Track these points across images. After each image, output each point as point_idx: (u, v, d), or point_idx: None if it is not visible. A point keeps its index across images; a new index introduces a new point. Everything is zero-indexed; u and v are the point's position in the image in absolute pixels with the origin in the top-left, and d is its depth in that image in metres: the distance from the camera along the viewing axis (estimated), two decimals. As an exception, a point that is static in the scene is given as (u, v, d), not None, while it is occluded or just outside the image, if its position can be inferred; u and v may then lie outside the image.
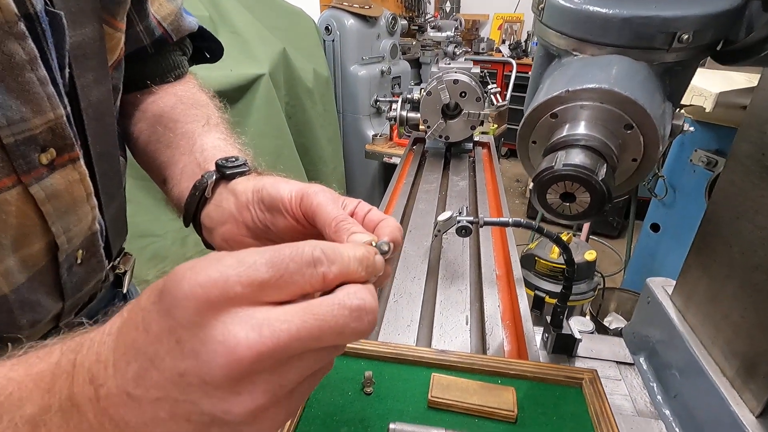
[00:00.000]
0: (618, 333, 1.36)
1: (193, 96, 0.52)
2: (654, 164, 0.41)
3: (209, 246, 0.41)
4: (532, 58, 4.13)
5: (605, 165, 0.37)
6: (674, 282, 0.79)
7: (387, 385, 0.47)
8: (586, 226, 2.06)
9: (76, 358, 0.21)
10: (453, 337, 0.57)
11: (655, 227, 1.77)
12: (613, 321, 1.78)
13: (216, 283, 0.20)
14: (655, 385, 0.75)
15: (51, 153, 0.32)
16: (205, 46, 0.59)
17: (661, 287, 0.81)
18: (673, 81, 0.45)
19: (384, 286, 0.66)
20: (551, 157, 0.39)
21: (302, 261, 0.21)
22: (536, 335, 0.67)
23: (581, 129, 0.41)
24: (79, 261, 0.38)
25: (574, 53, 0.46)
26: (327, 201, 0.31)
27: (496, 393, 0.45)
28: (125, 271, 0.50)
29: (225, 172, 0.38)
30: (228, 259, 0.20)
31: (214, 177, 0.39)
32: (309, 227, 0.32)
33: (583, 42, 0.45)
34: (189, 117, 0.48)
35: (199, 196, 0.39)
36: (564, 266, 1.51)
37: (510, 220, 0.69)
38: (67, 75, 0.34)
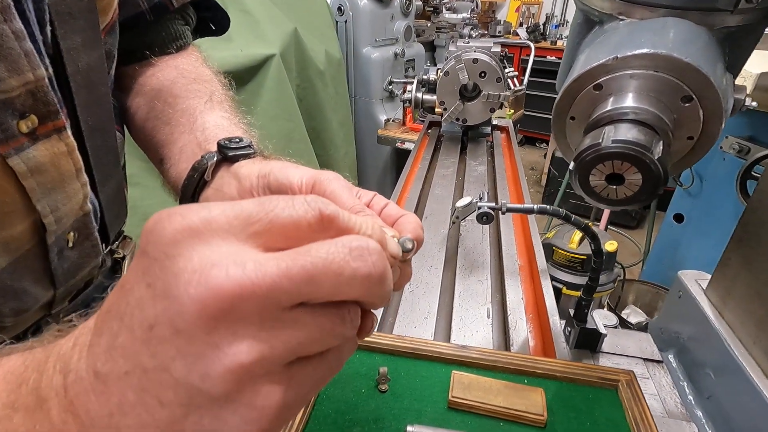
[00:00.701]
0: (642, 327, 1.30)
1: (195, 70, 0.48)
2: (713, 143, 0.36)
3: None
4: (551, 42, 4.00)
5: (661, 142, 0.32)
6: (709, 276, 0.74)
7: (403, 382, 0.44)
8: (605, 216, 1.99)
9: (53, 349, 0.18)
10: (473, 330, 0.53)
11: (678, 218, 1.69)
12: (631, 314, 1.73)
13: (198, 212, 0.17)
14: (685, 384, 0.71)
15: (32, 120, 0.29)
16: (209, 17, 0.55)
17: (695, 281, 0.76)
18: (733, 49, 0.40)
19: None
20: (597, 133, 0.34)
21: (294, 199, 0.18)
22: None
23: (629, 101, 0.36)
24: (70, 244, 0.35)
25: (620, 17, 0.41)
26: (341, 189, 0.27)
27: (523, 394, 0.41)
28: (124, 256, 0.46)
29: (227, 154, 0.35)
30: (212, 203, 0.18)
31: (215, 158, 0.35)
32: None
33: (631, 4, 0.40)
34: (190, 92, 0.44)
35: (198, 179, 0.36)
36: (583, 257, 1.44)
37: (535, 206, 0.64)
38: (49, 33, 0.30)
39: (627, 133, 0.33)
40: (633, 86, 0.36)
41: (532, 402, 0.40)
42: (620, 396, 0.42)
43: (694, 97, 0.34)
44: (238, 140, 0.36)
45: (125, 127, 0.48)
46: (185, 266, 0.15)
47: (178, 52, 0.50)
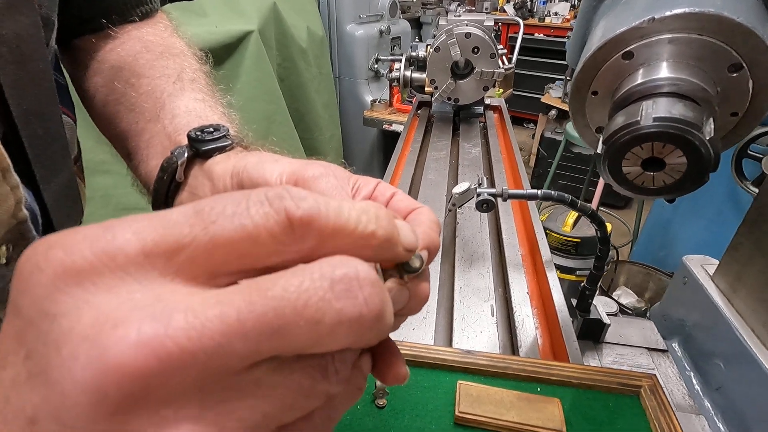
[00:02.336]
0: (641, 312, 1.28)
1: (163, 42, 0.41)
2: (760, 120, 0.31)
3: None
4: (539, 19, 3.91)
5: (711, 119, 0.27)
6: (716, 261, 0.71)
7: (403, 395, 0.39)
8: (596, 196, 1.96)
9: None
10: (477, 331, 0.49)
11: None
12: (622, 295, 1.72)
13: (94, 241, 0.11)
14: (692, 374, 0.68)
15: None
16: None
17: (701, 266, 0.72)
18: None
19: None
20: (632, 110, 0.29)
21: (250, 201, 0.13)
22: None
23: (667, 71, 0.30)
24: (3, 260, 0.28)
25: (649, -26, 0.35)
26: (330, 190, 0.22)
27: (539, 406, 0.37)
28: None
29: (199, 149, 0.29)
30: (128, 218, 0.12)
31: (186, 155, 0.29)
32: None
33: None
34: (156, 70, 0.37)
35: (169, 181, 0.30)
36: (577, 240, 1.41)
37: (539, 192, 0.59)
38: None
39: (671, 108, 0.27)
40: (670, 53, 0.31)
41: (548, 415, 0.36)
42: (643, 404, 0.38)
43: (744, 65, 0.29)
44: (212, 130, 0.29)
45: (87, 110, 0.41)
46: (70, 331, 0.10)
47: (142, 19, 0.42)
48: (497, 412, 0.36)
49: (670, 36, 0.30)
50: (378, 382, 0.38)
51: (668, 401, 0.37)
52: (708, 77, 0.30)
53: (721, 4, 0.29)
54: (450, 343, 0.48)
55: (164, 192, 0.30)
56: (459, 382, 0.39)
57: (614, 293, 1.73)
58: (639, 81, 0.31)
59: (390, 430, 0.36)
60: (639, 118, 0.28)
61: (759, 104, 0.31)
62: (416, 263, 0.17)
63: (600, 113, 0.36)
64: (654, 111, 0.28)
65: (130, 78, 0.37)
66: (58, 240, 0.11)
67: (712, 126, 0.27)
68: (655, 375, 0.40)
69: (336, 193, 0.22)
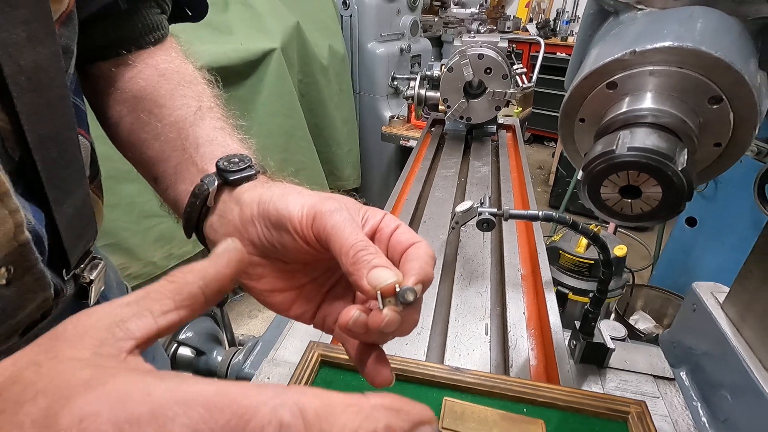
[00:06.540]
0: (652, 339, 1.25)
1: (177, 69, 0.44)
2: (744, 151, 0.32)
3: None
4: (561, 38, 3.91)
5: (685, 150, 0.28)
6: (726, 288, 0.69)
7: (389, 408, 0.40)
8: (614, 218, 1.93)
9: None
10: (470, 349, 0.49)
11: (691, 221, 1.63)
12: (640, 320, 1.67)
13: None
14: (699, 405, 0.66)
15: None
16: (184, 1, 0.50)
17: (710, 293, 0.71)
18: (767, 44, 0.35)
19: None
20: (610, 139, 0.30)
21: None
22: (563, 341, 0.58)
23: (648, 102, 0.31)
24: (4, 281, 0.29)
25: (638, 6, 0.37)
26: (344, 223, 0.25)
27: (523, 427, 0.37)
28: (91, 281, 0.41)
29: (228, 178, 0.32)
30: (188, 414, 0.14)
31: (216, 183, 0.33)
32: (322, 251, 0.27)
33: (652, -9, 0.35)
34: (176, 100, 0.40)
35: (201, 206, 0.33)
36: (591, 261, 1.38)
37: (540, 213, 0.60)
38: None
39: (645, 139, 0.28)
40: (653, 85, 0.32)
41: (531, 436, 0.36)
42: (630, 430, 0.38)
43: (724, 97, 0.30)
44: (237, 160, 0.33)
45: (109, 136, 0.44)
46: None
47: (155, 45, 0.45)
48: (480, 430, 0.37)
49: (651, 68, 0.31)
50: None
51: (655, 429, 0.37)
52: (690, 109, 0.31)
53: (700, 39, 0.29)
54: (442, 360, 0.48)
55: (196, 215, 0.33)
56: (445, 398, 0.40)
57: (631, 318, 1.68)
58: (622, 111, 0.32)
59: (374, 442, 0.37)
60: (615, 148, 0.29)
61: (741, 136, 0.31)
62: (410, 297, 0.21)
63: (587, 140, 0.37)
64: (630, 141, 0.28)
65: (153, 108, 0.40)
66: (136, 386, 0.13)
67: (686, 157, 0.27)
68: (644, 402, 0.39)
69: (348, 225, 0.25)
